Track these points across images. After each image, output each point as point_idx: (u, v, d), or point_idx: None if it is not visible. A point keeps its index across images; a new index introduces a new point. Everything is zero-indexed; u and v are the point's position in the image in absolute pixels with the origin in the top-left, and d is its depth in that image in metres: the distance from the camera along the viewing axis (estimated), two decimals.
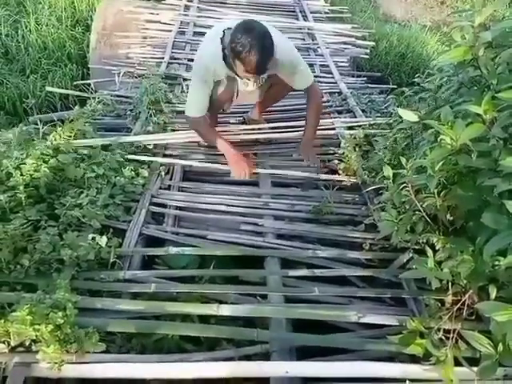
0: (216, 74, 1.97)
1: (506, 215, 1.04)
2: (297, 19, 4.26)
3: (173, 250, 1.68)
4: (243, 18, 1.97)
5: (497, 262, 1.12)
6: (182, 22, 3.89)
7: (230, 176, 2.16)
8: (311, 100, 2.19)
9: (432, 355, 1.22)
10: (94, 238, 1.60)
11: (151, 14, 3.98)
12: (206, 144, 2.30)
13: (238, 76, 1.95)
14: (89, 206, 1.75)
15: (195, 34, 3.77)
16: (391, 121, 2.26)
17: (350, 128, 2.52)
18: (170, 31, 3.73)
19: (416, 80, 1.97)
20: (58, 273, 1.49)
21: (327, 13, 4.70)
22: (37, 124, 2.23)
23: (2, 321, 1.23)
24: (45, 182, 1.80)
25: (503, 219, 1.05)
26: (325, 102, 2.29)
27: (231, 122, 2.64)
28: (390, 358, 1.32)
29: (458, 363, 1.23)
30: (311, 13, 4.42)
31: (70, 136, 2.12)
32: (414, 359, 1.27)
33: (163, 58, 3.32)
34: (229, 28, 1.83)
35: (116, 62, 3.40)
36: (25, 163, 1.81)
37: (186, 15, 4.02)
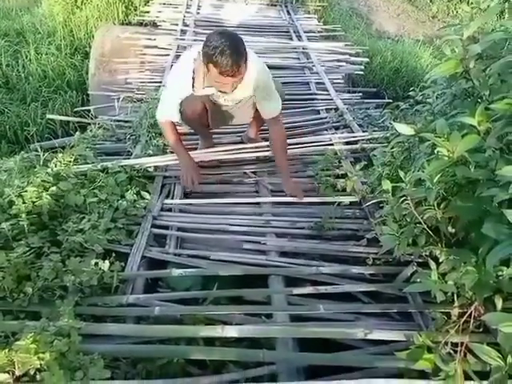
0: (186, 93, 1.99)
1: (507, 225, 1.03)
2: (291, 39, 4.34)
3: (175, 271, 1.68)
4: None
5: (500, 273, 1.11)
6: (178, 46, 3.96)
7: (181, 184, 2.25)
8: (275, 136, 2.19)
9: (441, 370, 1.21)
10: (96, 263, 1.60)
11: (148, 39, 4.07)
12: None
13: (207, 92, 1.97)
14: (91, 230, 1.76)
15: None
16: (388, 134, 2.28)
17: (348, 143, 2.55)
18: (168, 55, 3.81)
19: (411, 93, 1.99)
20: (62, 299, 1.49)
21: (320, 32, 4.81)
22: (38, 151, 2.26)
23: (6, 350, 1.21)
24: (47, 208, 1.81)
25: (504, 229, 1.05)
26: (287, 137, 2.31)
27: (228, 141, 2.67)
28: (399, 374, 1.30)
29: (467, 377, 1.21)
30: (305, 32, 4.53)
31: (71, 161, 2.14)
32: (422, 375, 1.25)
33: (161, 82, 3.37)
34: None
35: (115, 87, 3.47)
36: (26, 191, 1.82)
37: (182, 39, 4.10)
